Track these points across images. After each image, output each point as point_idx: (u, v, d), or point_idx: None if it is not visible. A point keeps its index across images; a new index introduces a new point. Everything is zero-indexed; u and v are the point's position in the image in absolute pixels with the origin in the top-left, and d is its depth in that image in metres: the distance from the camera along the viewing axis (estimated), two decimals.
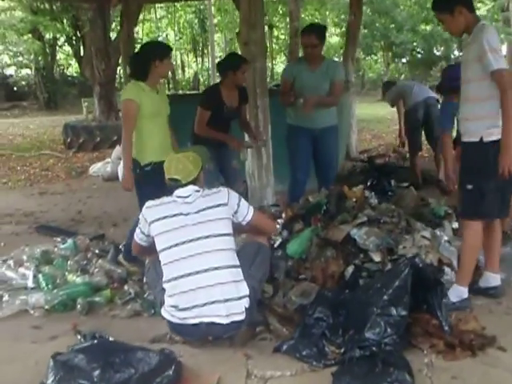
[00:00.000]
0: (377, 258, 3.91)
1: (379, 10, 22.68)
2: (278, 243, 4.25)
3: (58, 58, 27.64)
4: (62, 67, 28.69)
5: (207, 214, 3.18)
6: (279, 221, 4.49)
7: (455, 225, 4.63)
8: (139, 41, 30.64)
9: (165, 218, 3.21)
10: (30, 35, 23.57)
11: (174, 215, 3.20)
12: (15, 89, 27.45)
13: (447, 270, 4.05)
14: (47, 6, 22.37)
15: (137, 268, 4.28)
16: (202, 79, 30.77)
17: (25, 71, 27.61)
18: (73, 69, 29.36)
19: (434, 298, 3.02)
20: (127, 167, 4.18)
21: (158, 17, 34.12)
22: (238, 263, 3.18)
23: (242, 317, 3.10)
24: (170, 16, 34.17)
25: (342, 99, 8.43)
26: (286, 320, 3.39)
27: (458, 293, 3.56)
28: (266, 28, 29.74)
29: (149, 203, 3.34)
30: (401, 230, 4.07)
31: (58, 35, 24.86)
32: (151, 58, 4.10)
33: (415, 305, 3.09)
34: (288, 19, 24.38)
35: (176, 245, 3.14)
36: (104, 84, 12.77)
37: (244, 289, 3.13)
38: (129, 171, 4.17)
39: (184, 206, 3.22)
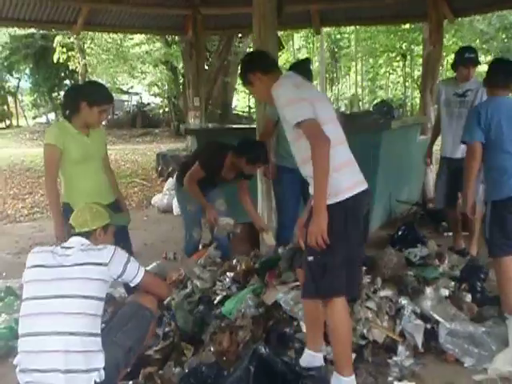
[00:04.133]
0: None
1: None
2: (217, 299, 3.82)
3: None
4: None
5: (79, 271, 2.84)
6: (229, 274, 4.03)
7: (445, 292, 3.90)
8: None
9: (36, 266, 2.92)
10: (163, 66, 24.86)
11: (44, 266, 2.90)
12: (151, 116, 28.99)
13: (401, 348, 3.39)
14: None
15: None
16: None
17: (160, 100, 29.09)
18: None
19: None
20: (55, 215, 3.81)
21: (297, 47, 34.51)
22: (97, 331, 2.80)
23: None
24: (308, 46, 34.48)
25: (413, 137, 7.76)
26: None
27: (340, 382, 2.92)
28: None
29: (36, 248, 3.10)
30: None
31: None
32: (79, 98, 3.74)
33: None
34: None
35: (34, 298, 2.84)
36: None
37: (97, 361, 2.75)
38: (58, 219, 3.77)
39: (60, 257, 2.90)
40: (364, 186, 2.95)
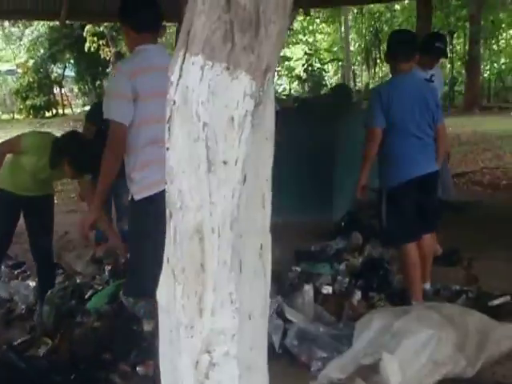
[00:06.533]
0: (148, 327, 3.21)
1: None
2: (89, 294, 3.75)
3: None
4: None
5: None
6: (107, 267, 3.95)
7: (328, 289, 3.70)
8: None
9: None
10: None
11: None
12: None
13: None
14: None
15: None
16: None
17: None
18: None
19: None
20: None
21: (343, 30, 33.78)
22: None
23: None
24: (357, 26, 33.71)
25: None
26: None
27: None
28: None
29: None
30: None
31: None
32: (63, 155, 3.60)
33: None
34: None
35: None
36: None
37: None
38: None
39: None
40: None
